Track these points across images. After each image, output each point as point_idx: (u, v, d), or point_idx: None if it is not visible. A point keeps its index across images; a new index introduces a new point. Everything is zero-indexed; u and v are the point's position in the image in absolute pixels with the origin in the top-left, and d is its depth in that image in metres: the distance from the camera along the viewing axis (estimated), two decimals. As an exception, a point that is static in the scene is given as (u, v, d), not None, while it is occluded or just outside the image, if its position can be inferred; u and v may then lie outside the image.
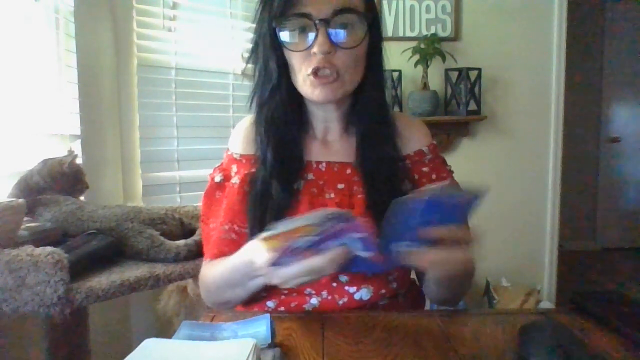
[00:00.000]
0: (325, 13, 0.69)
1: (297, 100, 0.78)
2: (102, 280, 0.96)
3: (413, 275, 0.85)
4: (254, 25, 0.78)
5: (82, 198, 1.31)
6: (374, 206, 0.71)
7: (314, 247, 0.56)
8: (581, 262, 3.78)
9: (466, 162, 2.37)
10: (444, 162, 0.86)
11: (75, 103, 1.45)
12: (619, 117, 4.15)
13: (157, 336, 0.56)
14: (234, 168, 0.82)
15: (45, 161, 1.20)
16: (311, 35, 0.70)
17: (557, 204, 2.46)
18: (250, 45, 0.80)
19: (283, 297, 0.76)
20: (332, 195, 0.77)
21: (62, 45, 1.41)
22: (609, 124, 4.15)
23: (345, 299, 0.73)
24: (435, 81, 2.31)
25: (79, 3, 1.45)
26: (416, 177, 0.80)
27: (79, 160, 1.37)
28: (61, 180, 1.20)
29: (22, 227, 1.00)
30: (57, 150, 1.34)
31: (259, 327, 0.58)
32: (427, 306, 0.93)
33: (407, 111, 2.26)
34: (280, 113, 0.77)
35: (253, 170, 0.79)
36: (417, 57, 2.21)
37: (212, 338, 0.58)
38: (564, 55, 2.39)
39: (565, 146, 2.47)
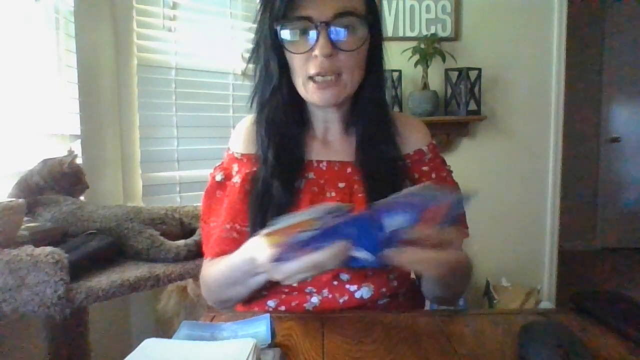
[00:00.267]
0: (326, 16, 0.69)
1: (297, 101, 0.79)
2: (102, 280, 0.96)
3: (413, 275, 0.85)
4: (254, 26, 0.78)
5: (82, 198, 1.31)
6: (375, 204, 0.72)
7: (315, 242, 0.55)
8: (581, 262, 3.78)
9: (466, 162, 2.37)
10: (444, 161, 0.86)
11: (75, 103, 1.45)
12: (619, 117, 4.15)
13: (157, 336, 0.56)
14: (235, 167, 0.82)
15: (45, 161, 1.20)
16: (312, 38, 0.70)
17: (557, 204, 2.46)
18: (250, 46, 0.81)
19: (284, 296, 0.76)
20: (333, 194, 0.77)
21: (62, 45, 1.41)
22: (609, 124, 4.15)
23: (346, 298, 0.74)
24: (435, 81, 2.31)
25: (79, 3, 1.45)
26: (416, 176, 0.81)
27: (79, 160, 1.37)
28: (61, 180, 1.20)
29: (22, 227, 1.00)
30: (57, 150, 1.34)
31: (259, 327, 0.58)
32: (427, 306, 0.93)
33: (407, 111, 2.26)
34: (281, 113, 0.78)
35: (254, 169, 0.79)
36: (417, 57, 2.21)
37: (212, 338, 0.58)
38: (564, 55, 2.39)
39: (565, 146, 2.47)
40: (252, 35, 0.80)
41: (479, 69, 2.26)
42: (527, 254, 2.47)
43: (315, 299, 0.74)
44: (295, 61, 0.73)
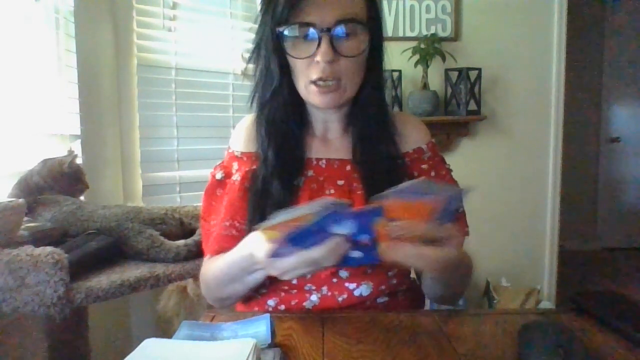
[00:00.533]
0: (328, 22, 0.69)
1: (297, 100, 0.79)
2: (102, 280, 0.96)
3: (413, 274, 0.85)
4: (255, 26, 0.78)
5: (82, 198, 1.31)
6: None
7: (312, 238, 0.55)
8: (581, 262, 3.78)
9: (466, 162, 2.37)
10: (443, 160, 0.86)
11: (75, 103, 1.45)
12: (619, 117, 4.15)
13: (157, 336, 0.56)
14: (235, 165, 0.83)
15: (45, 161, 1.20)
16: (314, 44, 0.71)
17: (557, 204, 2.46)
18: (250, 46, 0.81)
19: (283, 294, 0.76)
20: (332, 191, 0.78)
21: (62, 45, 1.41)
22: (609, 124, 4.15)
23: (345, 296, 0.74)
24: (435, 81, 2.31)
25: (79, 3, 1.45)
26: (415, 174, 0.81)
27: (79, 160, 1.37)
28: (61, 180, 1.20)
29: (22, 227, 1.00)
30: (57, 150, 1.35)
31: (259, 327, 0.58)
32: (427, 306, 0.93)
33: (407, 111, 2.26)
34: (282, 113, 0.78)
35: (254, 167, 0.79)
36: (417, 57, 2.21)
37: (212, 338, 0.58)
38: (564, 55, 2.39)
39: (565, 146, 2.47)
40: (252, 35, 0.80)
41: (479, 69, 2.26)
42: (527, 254, 2.47)
43: (314, 297, 0.74)
44: (297, 65, 0.74)
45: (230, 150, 0.85)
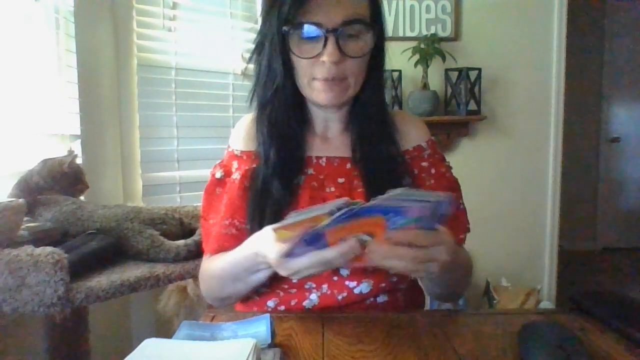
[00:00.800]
0: (335, 23, 0.70)
1: (299, 100, 0.79)
2: (102, 280, 0.96)
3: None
4: (254, 26, 0.79)
5: (82, 198, 1.31)
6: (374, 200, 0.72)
7: (323, 239, 0.55)
8: (581, 262, 3.78)
9: (466, 162, 2.37)
10: (443, 157, 0.86)
11: (75, 103, 1.45)
12: (619, 117, 4.15)
13: (157, 336, 0.56)
14: (235, 164, 0.83)
15: (45, 161, 1.20)
16: (320, 44, 0.71)
17: (557, 204, 2.46)
18: (250, 46, 0.81)
19: (282, 294, 0.76)
20: (333, 189, 0.78)
21: (62, 45, 1.41)
22: (609, 124, 4.15)
23: (345, 294, 0.74)
24: (435, 81, 2.31)
25: (79, 3, 1.45)
26: (415, 172, 0.81)
27: (79, 160, 1.37)
28: (61, 180, 1.20)
29: (22, 227, 1.00)
30: (57, 150, 1.34)
31: (259, 327, 0.58)
32: (427, 305, 0.93)
33: (407, 111, 2.26)
34: (283, 112, 0.78)
35: (254, 166, 0.79)
36: (417, 57, 2.21)
37: (212, 338, 0.58)
38: (564, 55, 2.38)
39: (565, 146, 2.47)
40: (252, 35, 0.81)
41: (479, 69, 2.26)
42: (527, 254, 2.47)
43: (314, 296, 0.74)
44: (301, 64, 0.74)
45: (230, 149, 0.85)
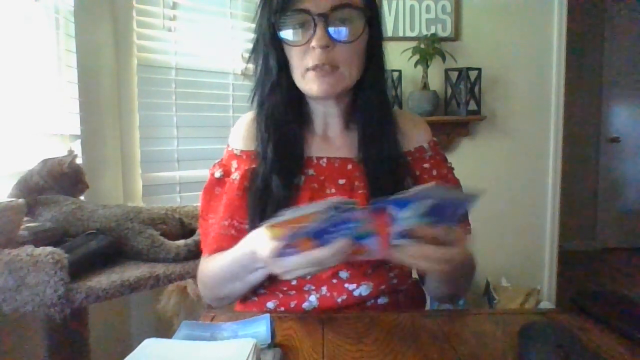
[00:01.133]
0: (323, 8, 0.69)
1: (297, 97, 0.79)
2: (102, 280, 0.96)
3: (415, 275, 0.85)
4: (254, 25, 0.79)
5: (82, 198, 1.31)
6: (375, 202, 0.72)
7: (318, 237, 0.55)
8: (581, 262, 3.77)
9: (466, 162, 2.37)
10: (445, 159, 0.86)
11: (75, 103, 1.45)
12: (619, 117, 4.15)
13: (157, 336, 0.56)
14: (234, 164, 0.82)
15: (45, 161, 1.20)
16: (310, 31, 0.71)
17: (557, 204, 2.46)
18: (250, 45, 0.81)
19: (282, 295, 0.76)
20: (333, 190, 0.77)
21: (62, 45, 1.41)
22: (609, 124, 4.15)
23: (345, 296, 0.74)
24: (435, 81, 2.31)
25: (79, 3, 1.45)
26: (417, 173, 0.81)
27: (79, 160, 1.37)
28: (61, 180, 1.20)
29: (22, 227, 1.00)
30: (57, 150, 1.34)
31: (259, 327, 0.58)
32: (428, 305, 0.93)
33: (409, 111, 2.26)
34: (281, 109, 0.78)
35: (253, 166, 0.79)
36: (417, 57, 2.21)
37: (212, 338, 0.58)
38: (564, 55, 2.39)
39: (565, 146, 2.47)
40: (252, 36, 0.80)
41: (479, 69, 2.26)
42: (527, 254, 2.47)
43: (313, 298, 0.74)
44: (294, 54, 0.74)
45: (229, 148, 0.85)
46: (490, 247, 2.29)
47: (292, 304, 0.75)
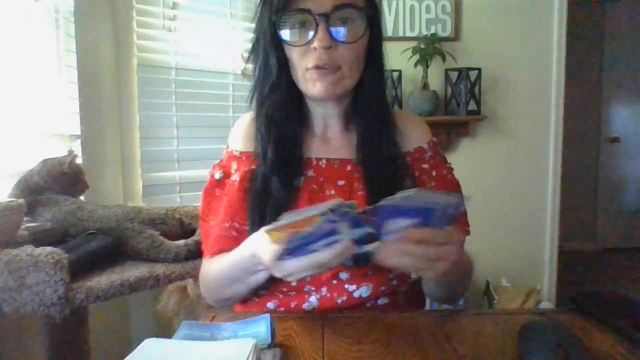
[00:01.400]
0: (325, 8, 0.69)
1: (297, 97, 0.79)
2: (102, 280, 0.96)
3: (414, 275, 0.85)
4: (254, 25, 0.78)
5: (82, 198, 1.31)
6: (375, 203, 0.72)
7: (317, 241, 0.55)
8: (581, 262, 3.77)
9: (466, 162, 2.37)
10: (444, 159, 0.86)
11: (75, 103, 1.45)
12: (619, 117, 4.14)
13: (157, 336, 0.56)
14: (234, 165, 0.82)
15: (45, 161, 1.20)
16: (311, 31, 0.70)
17: (557, 204, 2.46)
18: (250, 45, 0.80)
19: (282, 296, 0.76)
20: (333, 191, 0.77)
21: (62, 45, 1.41)
22: (609, 124, 4.15)
23: (345, 297, 0.74)
24: (435, 81, 2.31)
25: (79, 3, 1.45)
26: (416, 174, 0.80)
27: (79, 160, 1.37)
28: (61, 180, 1.20)
29: (22, 227, 1.00)
30: (57, 150, 1.34)
31: (259, 327, 0.58)
32: (427, 306, 0.93)
33: (407, 111, 2.26)
34: (280, 110, 0.78)
35: (253, 167, 0.79)
36: (417, 57, 2.21)
37: (212, 338, 0.58)
38: (564, 55, 2.39)
39: (565, 146, 2.47)
40: (252, 36, 0.80)
41: (479, 69, 2.26)
42: (527, 254, 2.47)
43: (313, 299, 0.74)
44: (294, 54, 0.73)
45: (229, 150, 0.85)
46: (490, 247, 2.29)
47: (292, 305, 0.75)
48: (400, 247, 0.55)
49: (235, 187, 0.79)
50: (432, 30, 2.32)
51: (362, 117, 0.80)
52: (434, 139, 0.86)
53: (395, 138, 0.81)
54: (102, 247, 1.06)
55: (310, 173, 0.79)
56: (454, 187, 0.83)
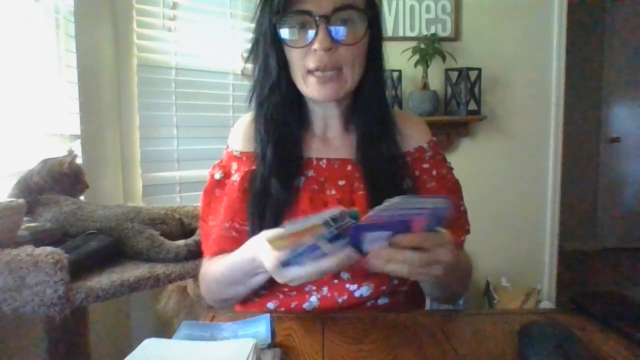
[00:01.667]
0: (325, 10, 0.69)
1: (296, 98, 0.79)
2: (102, 280, 0.96)
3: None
4: (253, 25, 0.78)
5: (82, 198, 1.31)
6: (375, 202, 0.72)
7: (318, 250, 0.56)
8: (581, 262, 3.78)
9: (466, 162, 2.37)
10: (444, 158, 0.86)
11: (75, 103, 1.45)
12: (619, 117, 4.15)
13: (157, 336, 0.56)
14: (234, 165, 0.82)
15: (45, 161, 1.20)
16: (311, 32, 0.70)
17: (557, 204, 2.46)
18: (250, 45, 0.80)
19: (282, 296, 0.76)
20: (333, 191, 0.77)
21: (62, 45, 1.41)
22: (609, 124, 4.15)
23: (345, 297, 0.74)
24: (435, 81, 2.31)
25: (79, 3, 1.45)
26: (417, 173, 0.80)
27: (79, 160, 1.37)
28: (61, 180, 1.20)
29: (22, 227, 1.00)
30: (57, 150, 1.34)
31: (259, 327, 0.58)
32: (427, 306, 0.93)
33: (407, 111, 2.26)
34: (280, 110, 0.77)
35: (253, 167, 0.79)
36: (417, 57, 2.21)
37: (212, 338, 0.58)
38: (564, 55, 2.39)
39: (565, 146, 2.47)
40: (252, 35, 0.80)
41: (479, 69, 2.26)
42: (527, 254, 2.47)
43: (314, 298, 0.74)
44: (294, 56, 0.73)
45: (229, 150, 0.85)
46: (490, 247, 2.29)
47: (293, 305, 0.75)
48: (389, 253, 0.56)
49: (235, 187, 0.79)
50: (432, 30, 2.32)
51: (362, 117, 0.80)
52: (434, 138, 0.86)
53: (395, 138, 0.81)
54: (102, 247, 1.06)
55: (311, 173, 0.79)
56: (454, 186, 0.83)
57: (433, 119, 2.20)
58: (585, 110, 4.06)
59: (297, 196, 0.76)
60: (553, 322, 0.62)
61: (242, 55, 1.94)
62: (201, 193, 0.85)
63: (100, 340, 1.31)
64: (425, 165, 0.81)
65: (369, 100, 0.79)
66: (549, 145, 2.44)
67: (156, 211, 1.22)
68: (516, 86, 2.40)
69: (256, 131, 0.80)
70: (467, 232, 0.82)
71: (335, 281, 0.74)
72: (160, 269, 1.06)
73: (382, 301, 0.77)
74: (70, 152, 1.27)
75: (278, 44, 0.73)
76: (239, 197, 0.77)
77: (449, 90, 2.30)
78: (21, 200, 0.99)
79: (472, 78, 2.24)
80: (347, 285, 0.74)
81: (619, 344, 0.58)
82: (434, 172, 0.81)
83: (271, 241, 0.57)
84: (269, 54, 0.75)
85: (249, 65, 0.82)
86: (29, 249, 0.89)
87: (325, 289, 0.74)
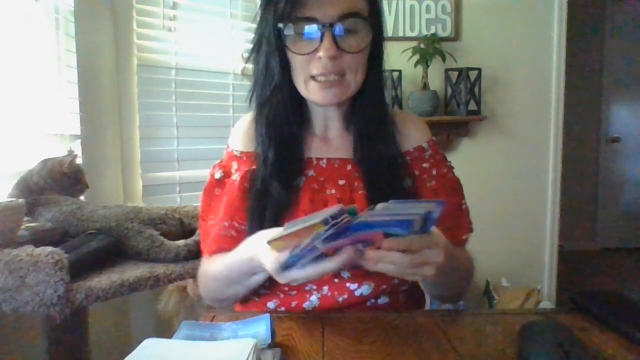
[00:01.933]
0: (331, 17, 0.69)
1: (297, 99, 0.79)
2: (102, 280, 0.96)
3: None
4: (254, 25, 0.78)
5: (82, 198, 1.31)
6: (375, 202, 0.72)
7: (317, 250, 0.56)
8: (581, 262, 3.77)
9: (466, 162, 2.37)
10: (444, 158, 0.86)
11: (75, 103, 1.45)
12: (619, 117, 4.15)
13: (157, 336, 0.56)
14: (235, 165, 0.82)
15: (45, 161, 1.20)
16: (316, 39, 0.70)
17: (557, 204, 2.46)
18: (250, 45, 0.80)
19: (282, 295, 0.76)
20: (333, 191, 0.77)
21: (62, 45, 1.41)
22: (609, 124, 4.15)
23: (346, 296, 0.74)
24: (435, 81, 2.31)
25: (79, 3, 1.45)
26: (416, 173, 0.81)
27: (79, 160, 1.37)
28: (61, 180, 1.20)
29: (22, 227, 1.00)
30: (57, 150, 1.34)
31: (259, 327, 0.58)
32: (428, 306, 0.93)
33: (407, 111, 2.26)
34: (282, 112, 0.78)
35: (253, 167, 0.79)
36: (417, 57, 2.21)
37: (212, 338, 0.58)
38: (564, 55, 2.39)
39: (565, 146, 2.47)
40: (252, 35, 0.80)
41: (479, 69, 2.26)
42: (527, 254, 2.47)
43: (314, 297, 0.74)
44: (298, 61, 0.73)
45: (229, 149, 0.85)
46: (490, 247, 2.29)
47: (293, 304, 0.75)
48: (377, 254, 0.56)
49: (235, 186, 0.79)
50: (432, 30, 2.32)
51: (361, 117, 0.80)
52: (434, 138, 0.86)
53: (394, 137, 0.81)
54: (102, 247, 1.06)
55: (311, 173, 0.79)
56: (455, 185, 0.83)
57: (433, 119, 2.20)
58: (585, 110, 4.06)
59: (297, 196, 0.76)
60: (553, 322, 0.62)
61: (242, 55, 1.94)
62: (201, 193, 0.85)
63: (100, 340, 1.31)
64: (425, 165, 0.82)
65: (369, 101, 0.80)
66: (549, 145, 2.44)
67: (156, 211, 1.22)
68: (516, 86, 2.40)
69: (257, 132, 0.81)
70: (470, 230, 0.82)
71: (336, 280, 0.74)
72: (160, 269, 1.06)
73: (382, 300, 0.77)
74: (70, 152, 1.27)
75: (281, 48, 0.73)
76: (238, 197, 0.78)
77: (449, 90, 2.30)
78: (21, 200, 0.99)
79: (472, 78, 2.24)
80: (348, 284, 0.74)
81: (619, 344, 0.58)
82: (434, 172, 0.81)
83: (271, 242, 0.57)
84: (272, 57, 0.75)
85: (249, 66, 0.82)
86: (29, 249, 0.89)
87: (325, 288, 0.74)
